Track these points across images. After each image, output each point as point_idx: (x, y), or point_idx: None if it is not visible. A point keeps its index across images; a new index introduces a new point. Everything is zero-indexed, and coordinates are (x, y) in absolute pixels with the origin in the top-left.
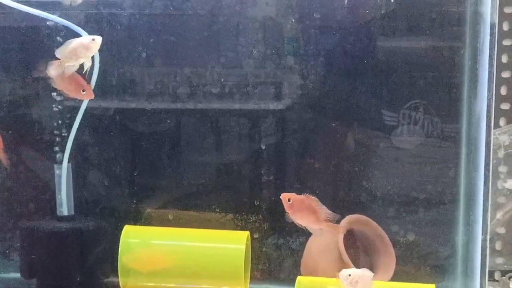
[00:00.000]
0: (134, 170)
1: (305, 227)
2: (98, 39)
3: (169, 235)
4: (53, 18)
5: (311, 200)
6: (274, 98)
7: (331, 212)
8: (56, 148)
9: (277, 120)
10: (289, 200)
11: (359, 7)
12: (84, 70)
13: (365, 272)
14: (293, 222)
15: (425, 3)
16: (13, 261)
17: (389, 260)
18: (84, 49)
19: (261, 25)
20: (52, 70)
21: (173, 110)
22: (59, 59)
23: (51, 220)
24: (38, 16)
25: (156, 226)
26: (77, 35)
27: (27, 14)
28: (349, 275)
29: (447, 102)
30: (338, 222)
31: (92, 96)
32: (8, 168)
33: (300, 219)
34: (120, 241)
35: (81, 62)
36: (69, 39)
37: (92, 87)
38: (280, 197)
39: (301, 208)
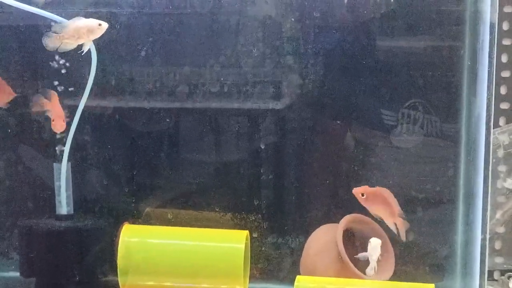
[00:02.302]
0: (133, 169)
1: (381, 219)
2: (104, 25)
3: (168, 234)
4: (52, 16)
5: (383, 191)
6: (273, 98)
7: (399, 208)
8: (55, 147)
9: (276, 119)
10: (362, 195)
11: (359, 6)
12: (81, 51)
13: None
14: (291, 221)
15: (424, 2)
16: (12, 260)
17: (388, 259)
18: (88, 31)
19: (261, 24)
20: (49, 43)
21: (172, 109)
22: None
23: (50, 219)
24: (37, 14)
25: (155, 225)
26: None
27: (26, 13)
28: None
29: (446, 101)
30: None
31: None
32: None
33: (377, 212)
34: (119, 240)
35: (80, 43)
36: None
37: (90, 85)
38: (353, 192)
39: (376, 201)
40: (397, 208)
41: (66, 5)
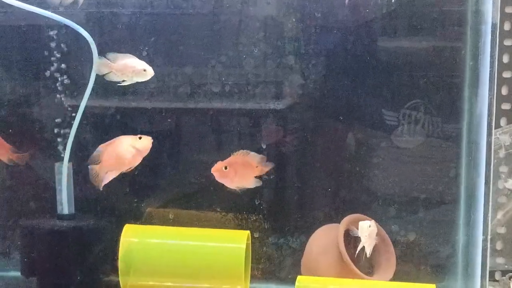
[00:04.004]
0: (135, 168)
1: (243, 188)
2: (149, 71)
3: (169, 234)
4: (54, 16)
5: (241, 155)
6: (274, 98)
7: (260, 155)
8: (57, 147)
9: (277, 119)
10: (225, 168)
11: (360, 6)
12: (120, 83)
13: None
14: (293, 221)
15: (426, 3)
16: (13, 259)
17: (389, 259)
18: (133, 72)
19: (262, 24)
20: (100, 66)
21: (174, 109)
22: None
23: (51, 218)
24: (39, 14)
25: (156, 225)
26: (78, 34)
27: (28, 12)
28: (369, 226)
29: (448, 102)
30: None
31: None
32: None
33: (239, 182)
34: (121, 240)
35: (124, 79)
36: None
37: (92, 85)
38: (212, 171)
39: (238, 169)
40: (255, 161)
41: (68, 5)
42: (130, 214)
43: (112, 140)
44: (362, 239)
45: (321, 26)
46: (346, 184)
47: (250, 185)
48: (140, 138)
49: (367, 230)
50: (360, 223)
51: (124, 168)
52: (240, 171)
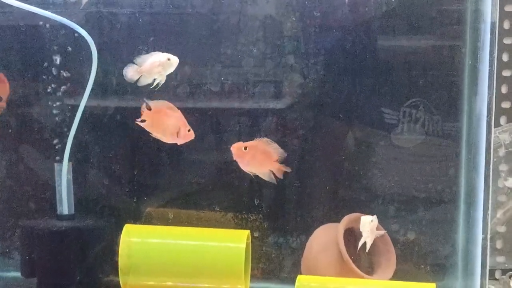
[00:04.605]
0: (134, 168)
1: (256, 174)
2: (174, 59)
3: (169, 234)
4: (53, 16)
5: (264, 142)
6: (274, 97)
7: (282, 150)
8: (56, 147)
9: (277, 118)
10: (245, 148)
11: (360, 5)
12: (153, 86)
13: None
14: (292, 220)
15: (425, 1)
16: (13, 259)
17: (389, 259)
18: (159, 65)
19: (261, 23)
20: (129, 73)
21: None
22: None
23: (51, 219)
24: (38, 14)
25: (156, 225)
26: (77, 33)
27: (27, 12)
28: (372, 221)
29: (447, 100)
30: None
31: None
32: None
33: (254, 167)
34: (120, 240)
35: (154, 78)
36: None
37: (91, 85)
38: (231, 148)
39: (256, 154)
40: (275, 154)
41: (67, 5)
42: (130, 214)
43: (169, 104)
44: (364, 234)
45: (320, 25)
46: (345, 183)
47: (264, 175)
48: (189, 130)
49: (369, 225)
50: (362, 217)
51: (153, 133)
52: (258, 157)
